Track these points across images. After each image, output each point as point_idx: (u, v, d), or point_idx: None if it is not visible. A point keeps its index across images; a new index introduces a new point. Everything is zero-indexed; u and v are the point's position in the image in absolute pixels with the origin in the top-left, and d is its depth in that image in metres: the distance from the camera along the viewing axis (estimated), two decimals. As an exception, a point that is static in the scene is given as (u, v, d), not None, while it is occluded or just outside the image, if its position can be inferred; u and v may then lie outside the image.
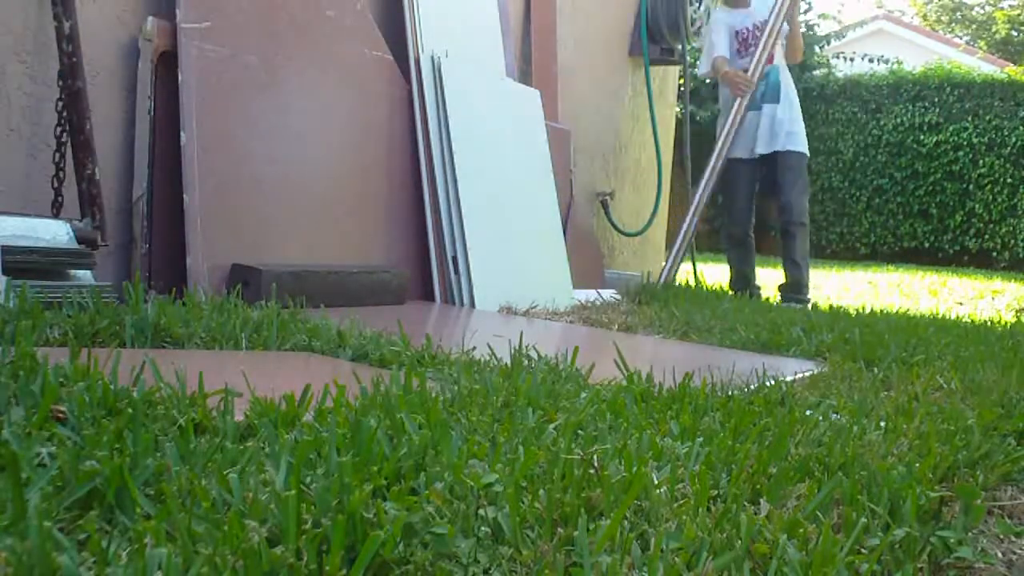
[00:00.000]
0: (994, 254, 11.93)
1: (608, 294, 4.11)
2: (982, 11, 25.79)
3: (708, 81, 10.70)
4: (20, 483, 0.74)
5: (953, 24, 26.18)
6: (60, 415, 1.04)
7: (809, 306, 4.42)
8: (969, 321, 3.74)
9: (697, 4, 5.28)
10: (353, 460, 0.91)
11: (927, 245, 12.29)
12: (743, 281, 4.94)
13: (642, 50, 5.24)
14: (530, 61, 4.39)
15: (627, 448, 1.10)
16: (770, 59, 4.74)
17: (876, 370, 2.21)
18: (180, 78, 2.53)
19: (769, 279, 5.60)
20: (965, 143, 11.97)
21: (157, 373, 1.22)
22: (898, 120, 12.39)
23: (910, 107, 12.38)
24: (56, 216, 2.28)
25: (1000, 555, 1.05)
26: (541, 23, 4.46)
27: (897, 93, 12.49)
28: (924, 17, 26.56)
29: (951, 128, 12.08)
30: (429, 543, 0.79)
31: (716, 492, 1.03)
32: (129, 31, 2.54)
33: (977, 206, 11.96)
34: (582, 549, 0.80)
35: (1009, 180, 11.75)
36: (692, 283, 5.07)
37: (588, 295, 3.92)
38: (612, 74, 5.24)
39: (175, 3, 2.55)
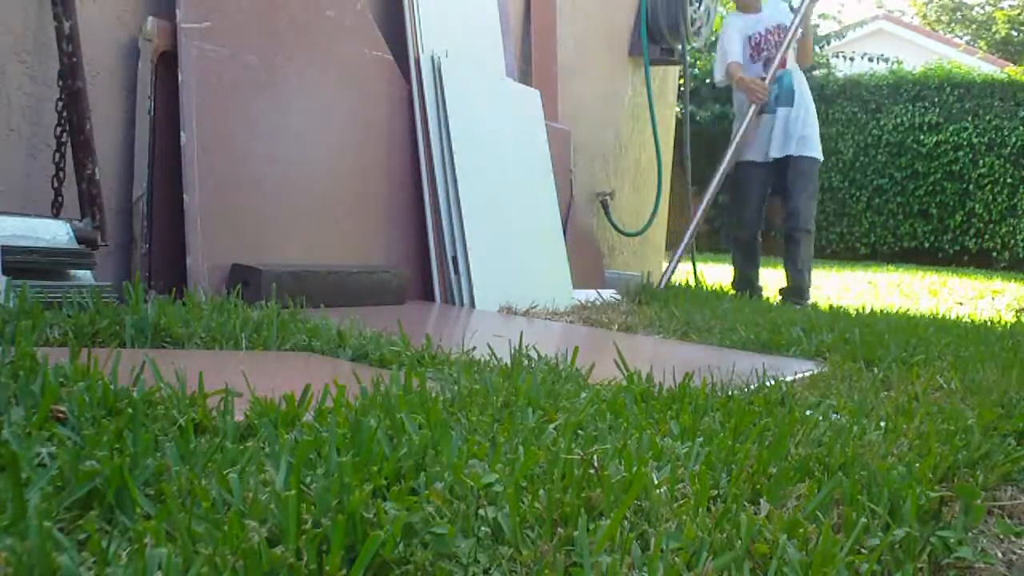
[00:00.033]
0: (994, 254, 11.94)
1: (608, 294, 4.11)
2: (982, 11, 25.80)
3: (710, 82, 10.74)
4: (20, 483, 0.74)
5: (953, 24, 26.19)
6: (60, 415, 1.04)
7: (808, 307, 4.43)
8: (969, 321, 3.74)
9: (697, 4, 5.27)
10: (353, 460, 0.91)
11: (927, 245, 12.29)
12: (747, 284, 4.93)
13: (642, 50, 5.24)
14: (530, 61, 4.39)
15: (627, 448, 1.10)
16: (782, 63, 4.74)
17: (876, 370, 2.21)
18: (180, 78, 2.53)
19: (770, 281, 5.60)
20: (965, 143, 11.98)
21: (157, 373, 1.22)
22: (898, 120, 12.39)
23: (910, 107, 12.38)
24: (56, 216, 2.28)
25: (1000, 555, 1.05)
26: (541, 23, 4.46)
27: (897, 93, 12.50)
28: (924, 17, 26.57)
29: (951, 128, 12.09)
30: (429, 543, 0.79)
31: (716, 492, 1.03)
32: (129, 31, 2.54)
33: (977, 206, 11.96)
34: (582, 549, 0.80)
35: (1009, 180, 11.75)
36: (692, 283, 5.07)
37: (588, 295, 3.92)
38: (612, 74, 5.24)
39: (175, 3, 2.55)
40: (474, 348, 1.87)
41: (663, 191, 5.57)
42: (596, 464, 0.99)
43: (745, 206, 4.86)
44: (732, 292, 4.81)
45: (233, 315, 1.97)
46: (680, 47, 5.35)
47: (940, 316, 3.96)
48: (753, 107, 4.67)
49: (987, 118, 11.92)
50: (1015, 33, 24.44)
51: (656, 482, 0.99)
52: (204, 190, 2.53)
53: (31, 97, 2.33)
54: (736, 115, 4.94)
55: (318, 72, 3.01)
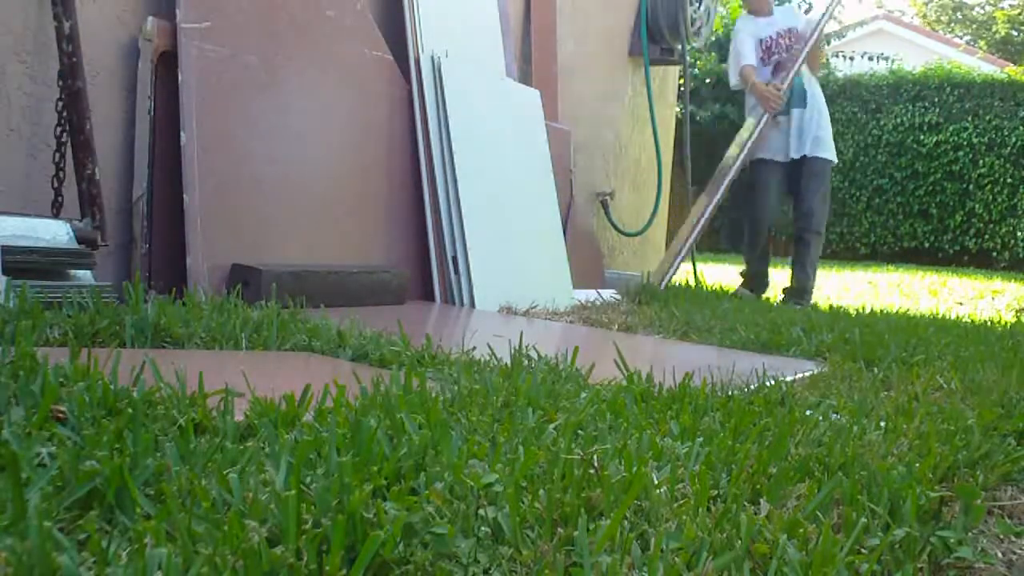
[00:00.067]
0: (994, 254, 11.93)
1: (608, 294, 4.11)
2: (982, 11, 25.80)
3: (709, 82, 10.70)
4: (20, 483, 0.74)
5: (953, 24, 26.19)
6: (60, 415, 1.04)
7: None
8: (969, 321, 3.74)
9: (697, 4, 5.27)
10: (353, 460, 0.91)
11: (927, 245, 12.29)
12: (762, 282, 4.93)
13: (642, 50, 5.24)
14: (530, 61, 4.39)
15: (627, 448, 1.10)
16: (797, 71, 4.74)
17: (876, 370, 2.21)
18: (180, 78, 2.53)
19: (773, 281, 5.59)
20: (965, 143, 11.97)
21: (157, 373, 1.22)
22: (898, 120, 12.39)
23: (910, 107, 12.37)
24: (56, 216, 2.28)
25: (1000, 555, 1.05)
26: (541, 23, 4.46)
27: (897, 93, 12.49)
28: (924, 17, 26.57)
29: (951, 128, 12.08)
30: (429, 543, 0.79)
31: (716, 492, 1.03)
32: (129, 31, 2.54)
33: (977, 206, 11.96)
34: (582, 549, 0.80)
35: (1009, 180, 11.75)
36: (692, 283, 5.07)
37: (588, 295, 3.92)
38: (612, 74, 5.24)
39: (175, 3, 2.55)
40: (474, 348, 1.87)
41: (663, 191, 5.57)
42: (596, 464, 0.99)
43: (763, 204, 4.82)
44: (740, 290, 4.81)
45: (233, 315, 1.97)
46: (680, 47, 5.35)
47: (940, 316, 3.96)
48: (766, 116, 4.66)
49: (987, 118, 11.92)
50: (1015, 33, 24.44)
51: (656, 482, 0.99)
52: (204, 190, 2.53)
53: (31, 97, 2.33)
54: (748, 114, 4.91)
55: (318, 72, 3.01)
